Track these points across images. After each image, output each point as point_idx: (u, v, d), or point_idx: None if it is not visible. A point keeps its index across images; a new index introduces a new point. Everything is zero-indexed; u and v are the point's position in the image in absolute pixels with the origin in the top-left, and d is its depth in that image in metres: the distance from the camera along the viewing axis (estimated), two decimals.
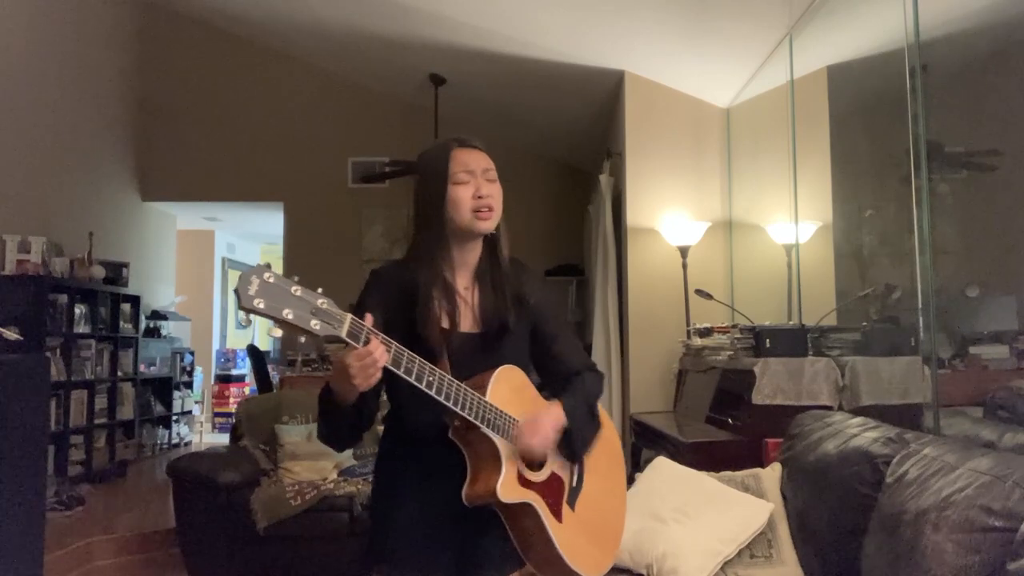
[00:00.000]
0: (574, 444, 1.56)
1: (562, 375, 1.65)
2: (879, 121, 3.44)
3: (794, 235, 3.73)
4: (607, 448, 1.70)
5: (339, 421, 1.45)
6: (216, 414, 9.22)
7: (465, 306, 1.57)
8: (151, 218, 7.52)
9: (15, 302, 4.95)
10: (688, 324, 4.25)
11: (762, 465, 2.56)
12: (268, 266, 1.24)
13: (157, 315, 7.34)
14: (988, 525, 1.40)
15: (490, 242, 1.59)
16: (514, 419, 1.48)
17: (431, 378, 1.39)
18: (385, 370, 1.34)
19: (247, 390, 9.28)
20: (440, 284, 1.53)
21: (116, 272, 6.31)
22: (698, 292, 4.02)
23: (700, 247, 4.41)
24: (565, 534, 1.52)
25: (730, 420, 3.13)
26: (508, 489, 1.44)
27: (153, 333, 7.16)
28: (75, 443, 5.54)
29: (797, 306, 3.60)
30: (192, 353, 8.15)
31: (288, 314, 1.22)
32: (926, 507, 1.55)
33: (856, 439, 2.04)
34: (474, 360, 1.52)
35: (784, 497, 2.33)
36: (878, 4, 3.02)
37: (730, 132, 4.60)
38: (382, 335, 1.33)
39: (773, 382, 2.99)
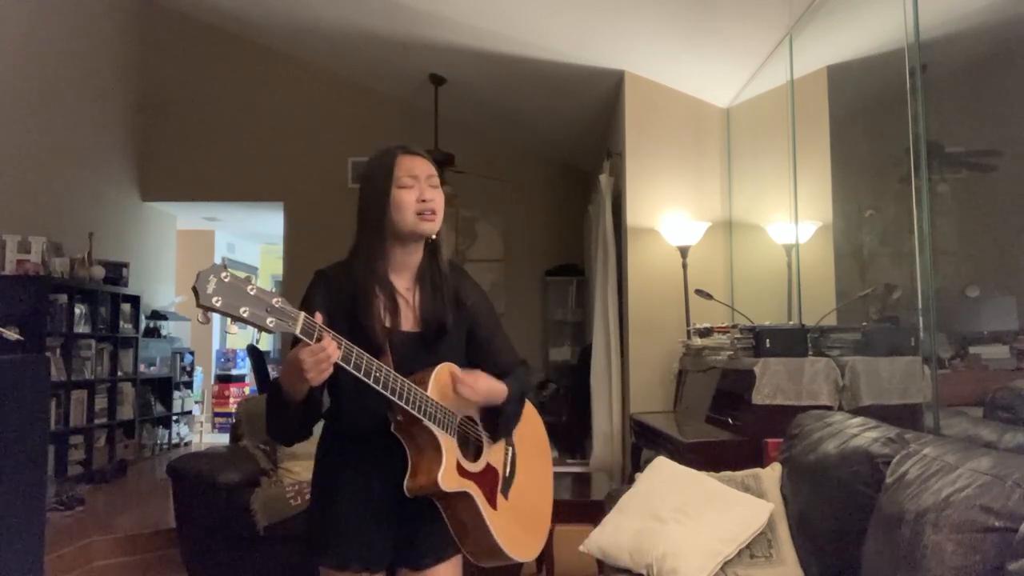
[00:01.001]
0: (503, 423, 1.67)
1: (497, 374, 1.73)
2: (879, 121, 3.44)
3: (794, 235, 3.73)
4: (535, 440, 1.82)
5: (289, 417, 1.52)
6: (216, 414, 9.22)
7: (406, 306, 1.64)
8: (151, 218, 7.52)
9: (15, 302, 4.95)
10: (688, 324, 4.25)
11: (762, 465, 2.56)
12: (225, 266, 1.30)
13: (157, 315, 7.34)
14: (988, 525, 1.40)
15: (431, 246, 1.67)
16: (453, 413, 1.57)
17: (378, 374, 1.45)
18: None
19: (247, 390, 9.29)
20: (382, 284, 1.61)
21: (116, 272, 6.31)
22: (698, 292, 4.03)
23: (700, 247, 4.41)
24: (500, 521, 1.61)
25: (730, 420, 3.13)
26: (449, 479, 1.52)
27: (153, 333, 7.16)
28: (75, 443, 5.53)
29: (797, 306, 3.60)
30: (192, 353, 8.15)
31: (244, 312, 1.28)
32: (926, 507, 1.55)
33: (856, 439, 2.04)
34: (415, 358, 1.59)
35: (784, 497, 2.33)
36: (878, 4, 3.01)
37: (730, 132, 4.60)
38: (333, 332, 1.39)
39: (773, 382, 2.99)
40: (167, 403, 7.30)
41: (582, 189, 6.98)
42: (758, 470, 2.47)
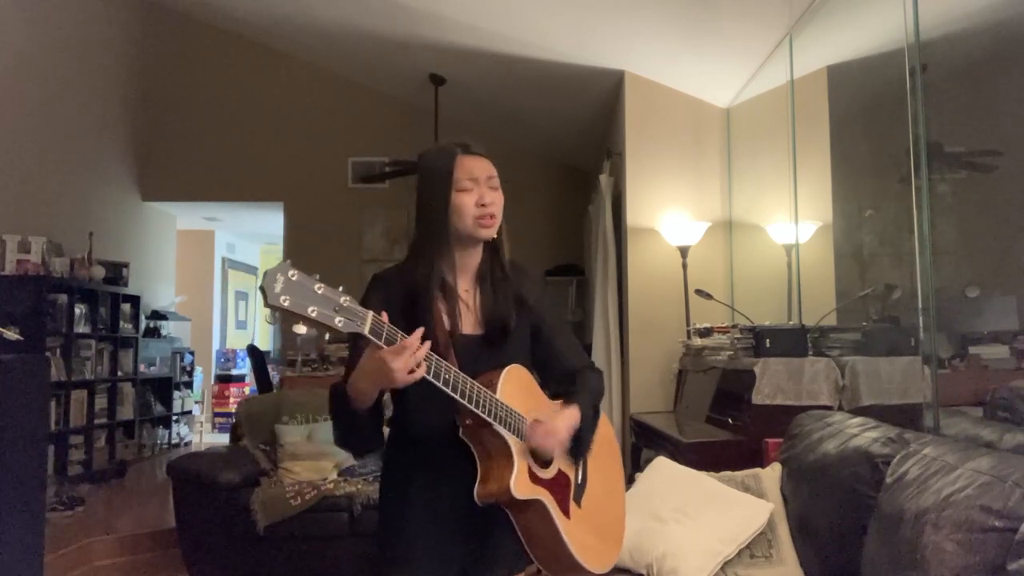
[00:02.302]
0: (581, 444, 1.59)
1: (563, 374, 1.67)
2: (879, 121, 3.44)
3: (794, 235, 3.73)
4: (606, 446, 1.73)
5: (362, 424, 1.46)
6: (216, 414, 9.22)
7: (466, 308, 1.58)
8: (151, 218, 7.52)
9: (15, 302, 4.95)
10: (688, 324, 4.25)
11: (762, 465, 2.56)
12: (291, 264, 1.24)
13: (157, 315, 7.35)
14: (988, 525, 1.40)
15: (491, 246, 1.61)
16: (523, 417, 1.50)
17: (447, 376, 1.39)
18: None
19: (247, 390, 9.28)
20: (442, 286, 1.55)
21: (116, 272, 6.31)
22: (698, 292, 4.02)
23: (700, 247, 4.41)
24: (573, 530, 1.53)
25: (730, 420, 3.13)
26: (521, 486, 1.45)
27: (153, 333, 7.16)
28: (75, 443, 5.54)
29: (797, 306, 3.60)
30: (192, 353, 8.15)
31: (313, 311, 1.23)
32: (926, 507, 1.55)
33: (856, 439, 2.04)
34: (478, 361, 1.53)
35: (784, 497, 2.33)
36: (878, 4, 3.01)
37: (730, 132, 4.60)
38: (402, 332, 1.33)
39: (773, 382, 2.99)
40: (167, 403, 7.30)
41: (582, 189, 6.98)
42: (758, 470, 2.47)
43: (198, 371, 8.50)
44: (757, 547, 2.23)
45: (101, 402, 5.95)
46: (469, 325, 1.58)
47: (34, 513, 2.68)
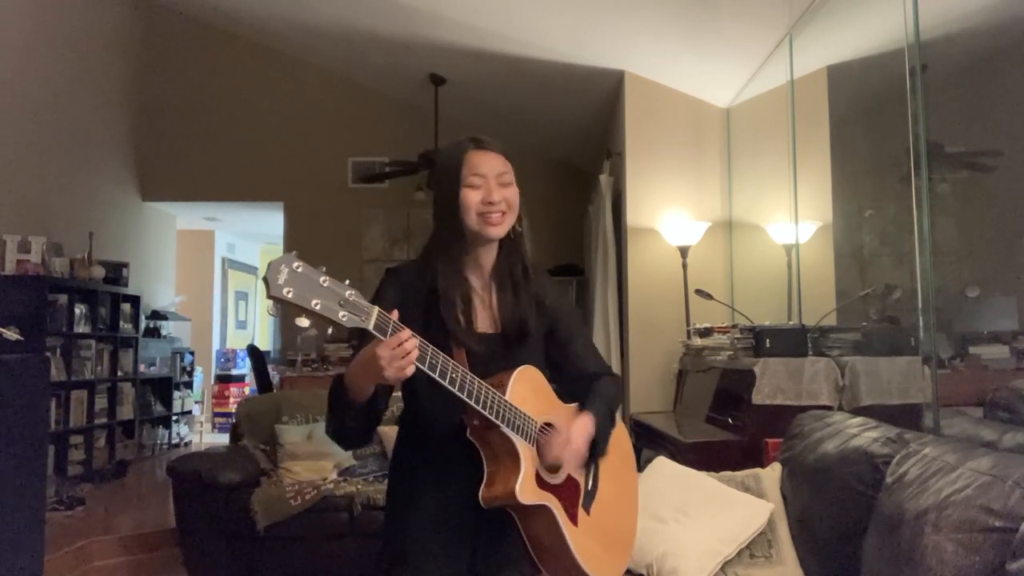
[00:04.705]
0: (595, 452, 1.56)
1: (579, 378, 1.65)
2: (879, 121, 3.44)
3: (794, 235, 3.73)
4: (620, 452, 1.69)
5: (352, 417, 1.42)
6: (216, 414, 9.22)
7: (482, 306, 1.56)
8: (151, 218, 7.52)
9: (15, 302, 4.95)
10: (688, 324, 4.25)
11: (762, 465, 2.55)
12: (296, 256, 1.22)
13: (157, 315, 7.34)
14: (988, 525, 1.40)
15: (510, 244, 1.59)
16: (533, 419, 1.47)
17: (454, 375, 1.36)
18: None
19: (247, 390, 9.28)
20: (457, 283, 1.52)
21: (116, 272, 6.31)
22: (698, 292, 4.02)
23: (700, 247, 4.41)
24: (580, 538, 1.50)
25: (730, 420, 3.13)
26: (526, 490, 1.42)
27: (153, 333, 7.16)
28: (75, 443, 5.54)
29: (797, 306, 3.60)
30: (192, 353, 8.15)
31: (316, 304, 1.20)
32: (926, 507, 1.55)
33: (856, 439, 2.04)
34: (492, 360, 1.50)
35: (784, 497, 2.33)
36: (878, 4, 3.02)
37: (730, 132, 4.60)
38: (408, 329, 1.30)
39: (773, 382, 2.99)
40: (167, 403, 7.30)
41: (582, 189, 6.97)
42: (758, 470, 2.47)
43: (198, 371, 8.50)
44: (757, 547, 2.23)
45: (101, 402, 5.95)
46: (485, 324, 1.55)
47: (34, 513, 2.68)
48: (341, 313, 1.23)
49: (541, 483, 1.46)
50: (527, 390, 1.48)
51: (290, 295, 1.18)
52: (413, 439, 1.58)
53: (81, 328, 5.67)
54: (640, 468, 3.11)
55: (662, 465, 2.59)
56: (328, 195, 7.22)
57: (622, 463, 1.70)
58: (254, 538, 3.37)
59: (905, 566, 1.54)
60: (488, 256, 1.58)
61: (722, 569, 2.17)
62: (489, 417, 1.40)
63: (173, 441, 7.42)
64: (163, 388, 7.27)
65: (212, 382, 9.37)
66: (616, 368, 4.61)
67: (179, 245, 8.31)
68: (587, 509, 1.56)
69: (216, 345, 9.61)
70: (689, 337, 4.11)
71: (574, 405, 1.59)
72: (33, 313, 5.01)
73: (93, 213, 6.30)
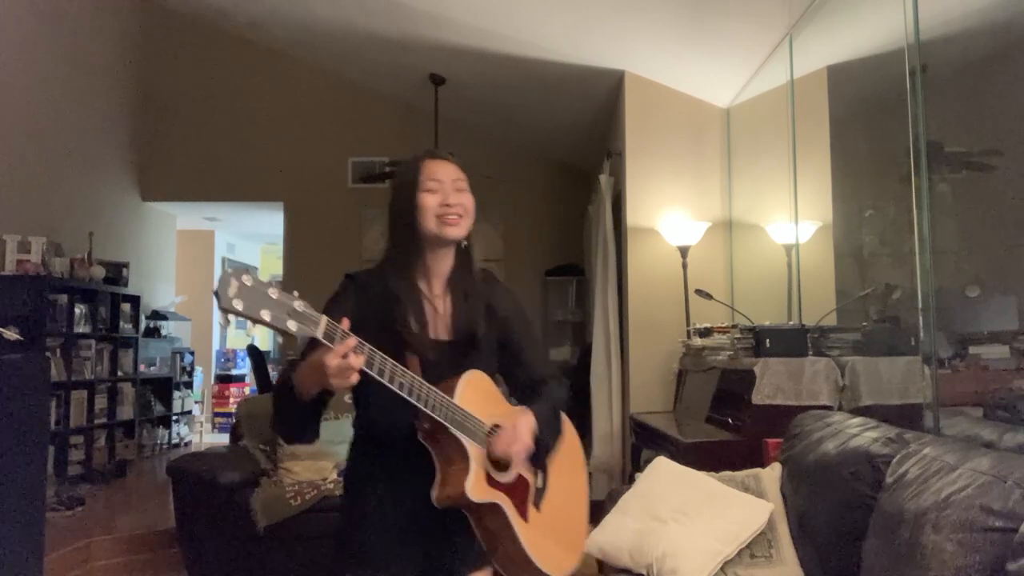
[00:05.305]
0: (540, 449, 1.61)
1: (528, 384, 1.70)
2: (879, 121, 3.44)
3: (794, 235, 3.73)
4: (569, 451, 1.75)
5: (299, 415, 1.50)
6: (216, 414, 9.22)
7: (436, 314, 1.62)
8: (151, 218, 7.52)
9: (15, 302, 4.95)
10: (688, 324, 4.25)
11: (762, 465, 2.56)
12: (247, 270, 1.28)
13: (157, 315, 7.35)
14: (988, 525, 1.40)
15: (462, 253, 1.66)
16: (481, 422, 1.53)
17: (403, 379, 1.43)
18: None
19: (247, 390, 9.28)
20: (413, 290, 1.59)
21: (116, 272, 6.31)
22: (698, 292, 4.02)
23: (700, 247, 4.41)
24: (531, 534, 1.56)
25: (730, 420, 3.13)
26: (477, 489, 1.48)
27: (153, 333, 7.16)
28: (75, 443, 5.54)
29: (797, 306, 3.60)
30: (192, 353, 8.15)
31: (265, 315, 1.27)
32: (926, 507, 1.55)
33: (856, 439, 2.04)
34: (444, 366, 1.55)
35: (784, 497, 2.33)
36: (878, 4, 3.02)
37: (730, 132, 4.60)
38: (357, 338, 1.36)
39: (773, 382, 2.99)
40: (167, 403, 7.30)
41: (582, 189, 6.97)
42: (758, 470, 2.47)
43: (198, 371, 8.50)
44: (757, 547, 2.23)
45: (101, 402, 5.95)
46: (439, 331, 1.61)
47: (34, 513, 2.68)
48: (290, 322, 1.30)
49: (492, 482, 1.52)
50: (475, 393, 1.54)
51: (240, 307, 1.25)
52: (367, 442, 1.63)
53: (81, 328, 5.67)
54: (640, 468, 3.11)
55: (662, 465, 2.59)
56: (328, 195, 7.22)
57: (571, 463, 1.77)
58: (254, 538, 3.36)
59: (905, 566, 1.54)
60: (444, 264, 1.64)
61: (722, 569, 2.17)
62: (438, 419, 1.47)
63: (173, 441, 7.42)
64: (163, 388, 7.27)
65: (212, 382, 9.37)
66: (616, 368, 4.61)
67: (179, 245, 8.31)
68: (537, 506, 1.62)
69: (216, 345, 9.61)
70: (689, 337, 4.11)
71: (522, 407, 1.64)
72: (33, 313, 5.01)
73: (93, 213, 6.30)
